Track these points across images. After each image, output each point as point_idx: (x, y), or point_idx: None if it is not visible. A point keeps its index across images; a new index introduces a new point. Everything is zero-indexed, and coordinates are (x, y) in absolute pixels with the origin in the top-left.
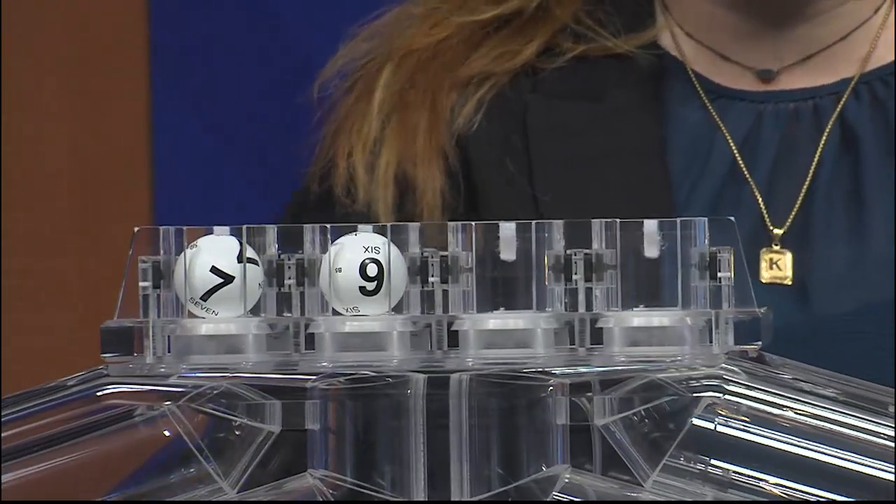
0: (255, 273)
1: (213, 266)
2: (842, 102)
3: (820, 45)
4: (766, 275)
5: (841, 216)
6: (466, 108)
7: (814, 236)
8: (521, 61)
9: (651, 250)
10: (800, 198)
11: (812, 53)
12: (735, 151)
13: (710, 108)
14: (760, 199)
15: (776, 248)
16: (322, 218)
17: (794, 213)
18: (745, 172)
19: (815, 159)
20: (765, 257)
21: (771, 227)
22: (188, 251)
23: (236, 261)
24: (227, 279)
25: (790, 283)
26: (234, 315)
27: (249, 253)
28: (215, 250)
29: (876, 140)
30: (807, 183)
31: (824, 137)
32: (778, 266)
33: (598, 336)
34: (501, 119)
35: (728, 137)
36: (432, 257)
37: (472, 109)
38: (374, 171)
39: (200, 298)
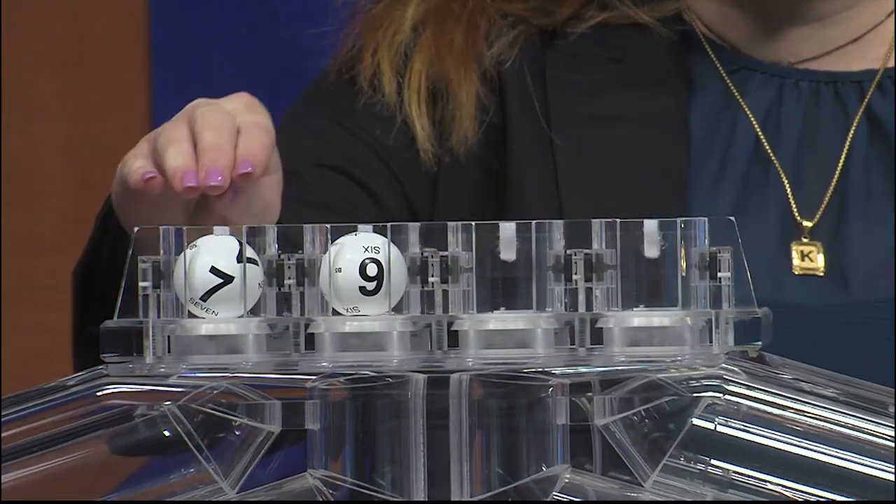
0: (255, 273)
1: (212, 266)
2: (868, 95)
3: (833, 44)
4: (797, 266)
5: (878, 207)
6: (502, 39)
7: (849, 227)
8: (551, 22)
9: (651, 250)
10: (829, 190)
11: (824, 53)
12: (758, 129)
13: (728, 80)
14: (787, 185)
15: (806, 240)
16: (343, 104)
17: (823, 205)
18: (770, 152)
19: (845, 151)
20: (796, 249)
21: (800, 220)
22: (188, 251)
23: (236, 261)
24: (227, 279)
25: (822, 274)
26: (234, 315)
27: (249, 253)
28: (215, 250)
29: None
30: (836, 174)
31: (853, 129)
32: (809, 258)
33: (598, 336)
34: (528, 63)
35: (749, 114)
36: (432, 257)
37: (507, 43)
38: (405, 78)
39: (200, 299)
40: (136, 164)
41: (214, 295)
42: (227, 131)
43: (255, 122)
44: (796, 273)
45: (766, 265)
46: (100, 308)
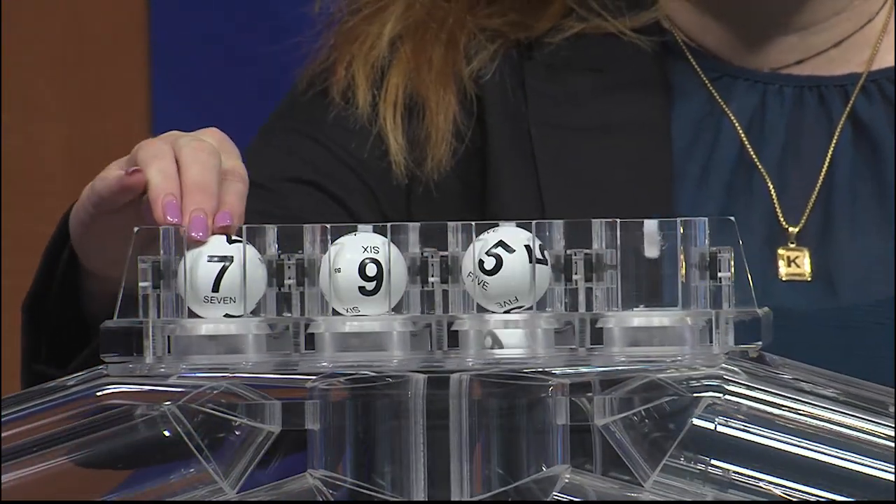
0: (250, 250)
1: (208, 256)
2: (852, 99)
3: (814, 50)
4: (784, 272)
5: (865, 211)
6: (482, 54)
7: (836, 231)
8: (529, 35)
9: (651, 250)
10: (814, 194)
11: (806, 58)
12: (742, 135)
13: (711, 87)
14: (773, 190)
15: (792, 246)
16: (315, 117)
17: (808, 210)
18: (754, 157)
19: (829, 155)
20: (782, 255)
21: (786, 226)
22: (189, 253)
23: (227, 243)
24: (227, 260)
25: (809, 279)
26: (251, 298)
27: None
28: (207, 247)
29: (893, 136)
30: (821, 178)
31: (837, 133)
32: (796, 263)
33: (598, 336)
34: (508, 76)
35: (734, 119)
36: (432, 257)
37: (488, 58)
38: (381, 91)
39: (212, 292)
40: (113, 173)
41: (223, 281)
42: (213, 170)
43: (234, 167)
44: (783, 279)
45: (753, 271)
46: (48, 343)
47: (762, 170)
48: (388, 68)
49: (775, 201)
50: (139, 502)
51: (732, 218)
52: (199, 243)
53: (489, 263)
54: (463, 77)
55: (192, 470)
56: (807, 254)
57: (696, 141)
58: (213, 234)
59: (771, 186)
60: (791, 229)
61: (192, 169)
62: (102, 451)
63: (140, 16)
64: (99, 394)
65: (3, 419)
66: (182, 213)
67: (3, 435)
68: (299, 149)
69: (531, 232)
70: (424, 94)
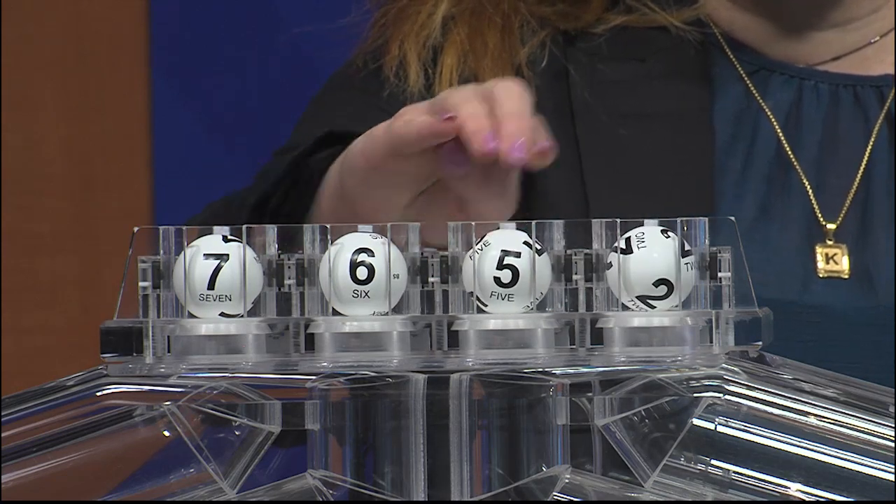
0: (246, 249)
1: (204, 253)
2: (888, 102)
3: (850, 47)
4: (822, 269)
5: None
6: (534, 40)
7: (874, 230)
8: (575, 26)
9: None
10: (851, 192)
11: (842, 55)
12: (779, 131)
13: (747, 80)
14: (809, 187)
15: (830, 243)
16: (371, 90)
17: (846, 207)
18: (790, 154)
19: (867, 155)
20: (820, 252)
21: (823, 222)
22: (188, 251)
23: (223, 242)
24: (223, 257)
25: (846, 276)
26: (247, 297)
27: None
28: (203, 245)
29: None
30: (858, 177)
31: (875, 133)
32: (834, 261)
33: (598, 336)
34: (553, 64)
35: (770, 115)
36: (432, 257)
37: (538, 43)
38: (436, 71)
39: (207, 290)
40: (420, 118)
41: (218, 278)
42: (527, 102)
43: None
44: (821, 276)
45: (791, 267)
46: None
47: (798, 167)
48: (442, 49)
49: (812, 198)
50: (139, 502)
51: (732, 218)
52: (516, 165)
53: (506, 277)
54: (521, 62)
55: (192, 470)
56: (845, 251)
57: (736, 135)
58: (532, 159)
59: (807, 184)
60: (829, 226)
61: (506, 103)
62: (102, 451)
63: (140, 16)
64: (99, 394)
65: (3, 419)
66: (500, 140)
67: (3, 435)
68: (369, 115)
69: (531, 232)
70: (481, 77)
